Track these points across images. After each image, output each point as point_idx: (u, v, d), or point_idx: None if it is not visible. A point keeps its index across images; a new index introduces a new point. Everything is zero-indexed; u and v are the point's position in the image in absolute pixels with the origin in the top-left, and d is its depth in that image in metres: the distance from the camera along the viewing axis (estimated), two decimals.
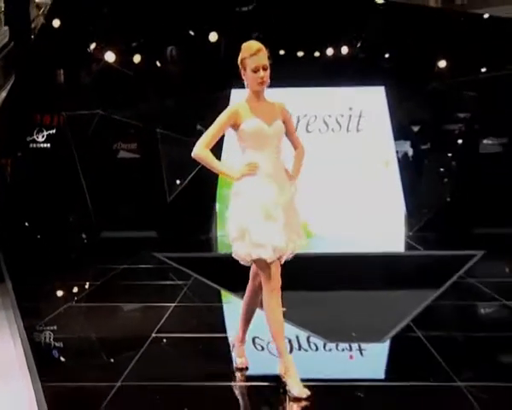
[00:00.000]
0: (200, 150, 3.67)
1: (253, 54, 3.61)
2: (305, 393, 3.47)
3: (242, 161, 3.69)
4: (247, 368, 4.00)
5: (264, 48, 3.66)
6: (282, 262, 3.74)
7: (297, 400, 3.48)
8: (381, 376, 4.24)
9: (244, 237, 3.57)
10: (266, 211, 3.54)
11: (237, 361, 4.07)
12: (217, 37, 9.90)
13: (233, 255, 3.73)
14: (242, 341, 4.12)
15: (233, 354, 4.11)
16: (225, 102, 9.61)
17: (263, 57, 3.63)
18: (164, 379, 3.85)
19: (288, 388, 3.52)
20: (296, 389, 3.48)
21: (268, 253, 3.51)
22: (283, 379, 3.60)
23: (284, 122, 3.79)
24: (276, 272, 3.66)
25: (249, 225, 3.53)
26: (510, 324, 5.27)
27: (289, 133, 3.91)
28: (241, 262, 3.74)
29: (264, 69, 3.62)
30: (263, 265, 3.59)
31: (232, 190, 3.72)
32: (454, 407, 3.39)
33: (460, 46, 9.79)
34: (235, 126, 3.68)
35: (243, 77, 3.71)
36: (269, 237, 3.50)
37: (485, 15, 10.94)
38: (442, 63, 10.18)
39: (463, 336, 5.05)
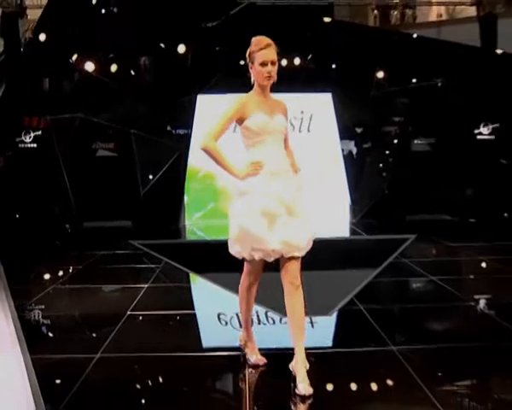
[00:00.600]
0: (209, 142, 3.25)
1: (263, 48, 3.24)
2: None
3: (247, 159, 3.30)
4: (263, 365, 3.53)
5: (273, 43, 3.29)
6: (300, 255, 3.29)
7: (255, 366, 3.50)
8: (330, 344, 4.27)
9: (244, 239, 3.24)
10: (269, 214, 3.18)
11: (251, 359, 3.58)
12: (185, 48, 9.84)
13: (229, 251, 3.42)
14: (249, 337, 3.65)
15: (246, 354, 3.62)
16: (192, 106, 9.62)
17: (272, 52, 3.26)
18: (138, 351, 3.86)
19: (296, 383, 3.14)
20: (302, 385, 3.11)
21: (265, 256, 3.25)
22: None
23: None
24: (258, 268, 3.41)
25: (251, 230, 3.18)
26: (436, 296, 5.37)
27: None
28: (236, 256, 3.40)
29: (273, 64, 3.25)
30: (253, 261, 3.33)
31: (235, 189, 3.35)
32: (389, 367, 3.45)
33: (394, 60, 9.93)
34: (240, 121, 3.29)
35: (250, 70, 3.32)
36: (268, 244, 3.18)
37: (414, 35, 11.13)
38: (380, 74, 10.29)
39: (398, 307, 5.16)
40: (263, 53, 3.23)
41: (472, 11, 15.63)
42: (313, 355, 3.37)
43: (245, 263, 3.43)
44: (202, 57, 9.71)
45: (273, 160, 3.27)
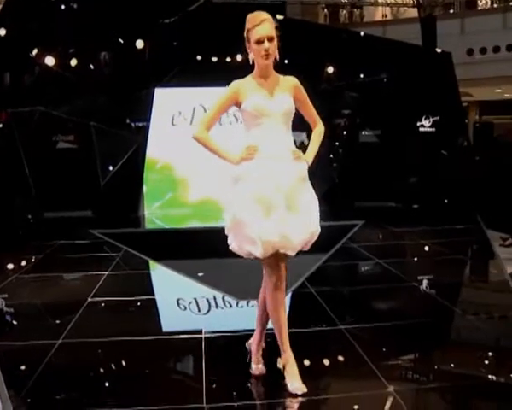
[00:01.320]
0: (201, 132, 3.01)
1: (257, 24, 2.86)
2: (302, 389, 2.90)
3: (244, 142, 2.98)
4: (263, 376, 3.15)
5: (270, 18, 2.90)
6: (292, 254, 2.93)
7: (214, 348, 3.50)
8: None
9: (237, 229, 2.89)
10: (264, 202, 2.81)
11: (253, 367, 3.17)
12: (143, 43, 9.69)
13: (230, 248, 3.02)
14: (259, 344, 3.22)
15: (251, 361, 3.22)
16: (150, 99, 9.50)
17: (268, 27, 2.87)
18: (99, 336, 3.81)
19: (286, 381, 2.96)
20: (295, 384, 2.92)
21: (258, 250, 2.81)
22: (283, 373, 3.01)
23: (296, 98, 3.01)
24: (277, 267, 2.92)
25: (243, 218, 2.83)
26: (382, 277, 5.47)
27: (304, 110, 3.11)
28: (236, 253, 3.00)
29: (270, 40, 2.86)
30: (262, 261, 2.92)
31: (231, 175, 2.99)
32: (338, 345, 3.50)
33: (343, 56, 10.02)
34: (238, 105, 2.98)
35: (248, 51, 2.96)
36: (261, 233, 2.78)
37: (362, 33, 11.25)
38: (330, 69, 10.36)
39: (346, 289, 5.23)
40: (257, 30, 2.87)
41: (414, 12, 15.95)
42: (268, 335, 3.38)
43: (263, 265, 2.98)
44: (160, 52, 9.58)
45: (271, 144, 2.91)
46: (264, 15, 2.91)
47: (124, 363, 3.55)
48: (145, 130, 9.56)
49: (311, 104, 3.15)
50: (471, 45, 15.81)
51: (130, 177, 9.39)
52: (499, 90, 18.28)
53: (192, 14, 9.85)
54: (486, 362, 3.59)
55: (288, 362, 2.98)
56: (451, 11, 17.71)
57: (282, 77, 3.03)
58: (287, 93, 2.97)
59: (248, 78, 3.02)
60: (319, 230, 2.98)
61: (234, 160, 2.96)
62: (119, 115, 9.70)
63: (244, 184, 2.89)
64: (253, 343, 3.23)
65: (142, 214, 9.27)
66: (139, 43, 9.70)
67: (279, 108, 2.92)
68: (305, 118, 3.17)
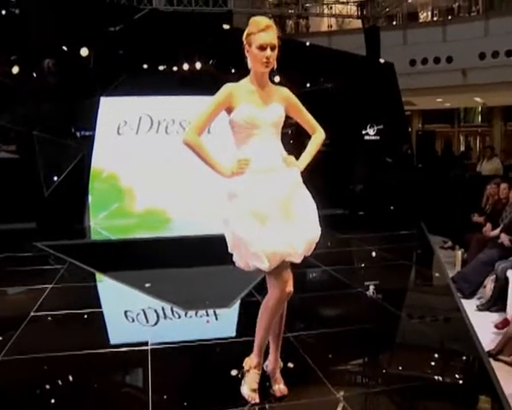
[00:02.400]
0: (192, 137, 2.80)
1: (262, 30, 2.74)
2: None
3: (235, 155, 2.85)
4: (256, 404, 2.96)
5: (274, 25, 2.80)
6: (298, 261, 2.85)
7: (162, 360, 3.46)
8: (232, 334, 4.29)
9: (240, 247, 2.78)
10: (261, 216, 2.73)
11: (245, 392, 2.96)
12: (88, 51, 9.53)
13: (237, 265, 2.91)
14: (257, 366, 3.01)
15: (243, 383, 3.02)
16: (95, 108, 9.34)
17: (273, 35, 2.77)
18: (42, 351, 3.69)
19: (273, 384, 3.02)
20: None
21: (264, 263, 2.71)
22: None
23: (290, 108, 2.95)
24: (283, 279, 2.83)
25: (242, 236, 2.73)
26: (329, 284, 5.55)
27: (300, 119, 3.05)
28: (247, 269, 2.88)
29: (272, 49, 2.77)
30: (267, 273, 2.82)
31: (226, 191, 2.84)
32: (285, 352, 3.49)
33: (289, 66, 10.07)
34: (229, 110, 2.83)
35: (246, 54, 2.84)
36: (264, 246, 2.70)
37: (308, 43, 11.41)
38: (276, 78, 10.42)
39: (294, 297, 5.23)
40: (262, 35, 2.75)
41: (358, 23, 16.28)
42: (218, 345, 3.37)
43: (267, 276, 2.88)
44: (106, 60, 9.45)
45: (264, 156, 2.81)
46: (269, 22, 2.81)
47: (68, 378, 3.46)
48: (90, 139, 9.40)
49: (306, 111, 3.08)
50: (413, 56, 16.23)
51: (75, 187, 9.19)
52: (440, 100, 18.86)
53: (138, 22, 9.78)
54: (432, 364, 3.69)
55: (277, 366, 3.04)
56: (394, 23, 18.17)
57: (274, 87, 2.96)
58: (279, 103, 2.90)
59: (243, 82, 2.91)
60: (319, 233, 2.89)
61: (225, 172, 2.83)
62: (63, 124, 9.49)
63: (239, 201, 2.78)
64: (252, 367, 3.01)
65: (87, 225, 9.08)
66: (84, 51, 9.54)
67: (270, 118, 2.85)
68: (303, 126, 3.11)
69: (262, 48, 2.76)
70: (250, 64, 2.85)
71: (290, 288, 2.88)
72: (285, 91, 2.97)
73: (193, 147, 2.80)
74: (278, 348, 3.08)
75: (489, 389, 3.22)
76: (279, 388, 3.01)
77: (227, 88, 2.85)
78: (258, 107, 2.83)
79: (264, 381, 3.05)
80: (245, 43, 2.83)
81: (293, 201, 2.84)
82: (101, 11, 9.85)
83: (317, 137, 3.10)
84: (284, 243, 2.75)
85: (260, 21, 2.80)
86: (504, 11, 15.72)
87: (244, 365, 3.04)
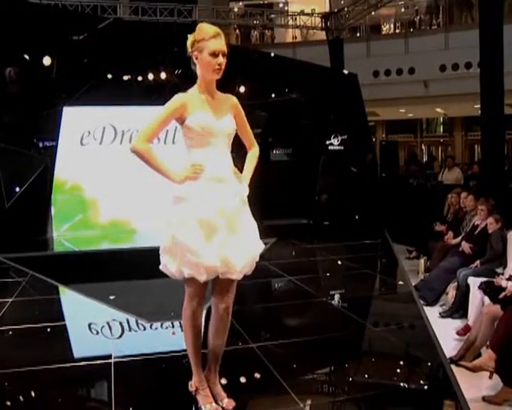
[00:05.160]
0: (141, 144, 2.72)
1: (213, 36, 2.73)
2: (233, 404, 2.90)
3: (187, 162, 2.79)
4: None
5: (222, 33, 2.80)
6: (238, 278, 2.85)
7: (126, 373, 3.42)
8: None
9: (177, 252, 2.72)
10: (207, 226, 2.69)
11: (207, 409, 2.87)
12: (50, 61, 9.41)
13: (160, 268, 2.86)
14: (201, 382, 2.95)
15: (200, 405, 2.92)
16: (58, 118, 9.21)
17: (223, 42, 2.77)
18: (1, 368, 3.58)
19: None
20: (227, 400, 2.91)
21: (202, 275, 2.69)
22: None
23: (235, 118, 2.90)
24: (203, 290, 2.82)
25: (185, 241, 2.68)
26: (293, 294, 5.57)
27: (241, 131, 2.97)
28: (170, 276, 2.84)
29: (224, 56, 2.76)
30: (191, 283, 2.77)
31: (172, 193, 2.79)
32: (249, 363, 3.50)
33: (254, 76, 10.17)
34: (181, 120, 2.77)
35: (195, 62, 2.80)
36: (206, 258, 2.67)
37: (272, 54, 11.50)
38: (241, 88, 10.49)
39: (258, 307, 5.26)
40: (214, 42, 2.74)
41: (322, 35, 16.50)
42: (181, 358, 3.35)
43: (185, 286, 2.85)
44: (69, 70, 9.34)
45: (216, 165, 2.78)
46: (218, 29, 2.80)
47: (30, 394, 3.38)
48: (53, 149, 9.26)
49: (248, 125, 3.03)
50: (376, 67, 16.52)
51: (38, 198, 9.02)
52: (403, 110, 19.22)
53: (102, 31, 9.70)
54: (396, 371, 3.74)
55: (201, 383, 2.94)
56: (358, 35, 18.47)
57: (223, 95, 2.93)
58: (229, 113, 2.87)
59: (192, 91, 2.86)
60: (260, 251, 2.90)
61: (177, 178, 2.76)
62: (25, 134, 9.33)
63: (187, 205, 2.73)
64: (196, 385, 2.96)
65: (50, 237, 8.93)
66: (47, 60, 9.41)
67: (224, 129, 2.82)
68: (242, 138, 3.04)
69: (214, 54, 2.75)
70: (199, 71, 2.83)
71: (227, 302, 2.88)
72: (233, 100, 2.95)
73: (142, 154, 2.74)
74: (214, 365, 2.98)
75: (451, 395, 3.27)
76: (225, 403, 2.92)
77: (180, 97, 2.81)
78: (214, 116, 2.80)
79: (227, 396, 3.04)
80: (193, 49, 2.79)
81: (239, 217, 2.81)
82: (64, 20, 9.74)
83: (255, 152, 3.07)
84: (222, 258, 2.72)
85: (210, 28, 2.79)
86: (464, 25, 16.15)
87: (190, 388, 2.98)
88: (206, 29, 2.78)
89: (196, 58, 2.80)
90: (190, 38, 2.80)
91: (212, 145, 2.80)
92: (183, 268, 2.72)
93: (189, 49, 2.81)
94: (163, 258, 2.82)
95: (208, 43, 2.74)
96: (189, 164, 2.78)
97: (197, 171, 2.75)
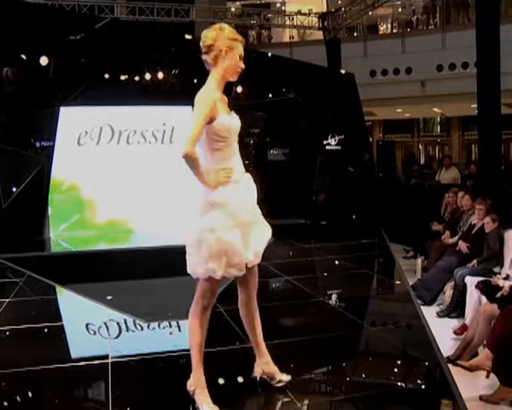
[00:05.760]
0: (192, 149, 2.65)
1: (241, 41, 2.83)
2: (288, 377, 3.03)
3: (212, 164, 2.79)
4: None
5: None
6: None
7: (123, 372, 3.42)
8: None
9: (222, 256, 2.77)
10: (245, 226, 2.82)
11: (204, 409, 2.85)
12: (47, 60, 9.39)
13: (195, 271, 2.87)
14: (201, 380, 2.94)
15: (197, 402, 2.91)
16: (55, 118, 9.19)
17: None
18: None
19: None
20: (284, 375, 3.07)
21: (242, 271, 2.86)
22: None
23: None
24: (218, 286, 2.94)
25: (232, 245, 2.77)
26: (291, 294, 5.57)
27: None
28: (194, 277, 2.88)
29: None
30: (210, 280, 2.85)
31: (207, 199, 2.79)
32: (248, 362, 3.48)
33: (251, 76, 10.12)
34: (210, 120, 2.72)
35: (220, 59, 2.80)
36: (245, 257, 2.83)
37: (269, 54, 11.50)
38: (239, 88, 10.48)
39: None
40: (241, 47, 2.83)
41: (319, 35, 16.50)
42: (181, 357, 3.35)
43: (201, 283, 2.90)
44: (66, 70, 9.33)
45: (236, 164, 2.87)
46: None
47: (28, 394, 3.38)
48: (50, 149, 9.25)
49: None
50: (373, 67, 16.53)
51: (35, 198, 9.02)
52: (400, 110, 19.23)
53: (99, 31, 9.69)
54: (393, 371, 3.74)
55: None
56: (355, 34, 18.48)
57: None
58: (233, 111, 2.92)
59: (213, 89, 2.82)
60: (270, 230, 3.06)
61: (212, 184, 2.77)
62: (22, 134, 9.32)
63: (225, 210, 2.78)
64: (193, 386, 2.96)
65: (47, 237, 8.91)
66: (44, 60, 9.40)
67: (237, 127, 2.87)
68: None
69: (240, 57, 2.82)
70: (219, 69, 2.82)
71: (256, 285, 3.12)
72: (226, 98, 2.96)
73: (194, 159, 2.69)
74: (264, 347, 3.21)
75: (448, 394, 3.28)
76: (283, 378, 3.16)
77: (212, 95, 2.76)
78: (228, 115, 2.83)
79: (226, 395, 3.05)
80: (226, 46, 2.79)
81: (256, 208, 2.95)
82: (61, 20, 9.73)
83: None
84: (256, 250, 2.91)
85: (237, 33, 2.85)
86: (460, 25, 16.17)
87: (188, 388, 2.96)
88: (234, 32, 2.83)
89: (226, 53, 2.79)
90: (218, 33, 2.79)
91: (232, 145, 2.86)
92: (230, 270, 2.82)
93: (224, 44, 2.78)
94: (209, 265, 2.80)
95: (239, 45, 2.82)
96: (218, 168, 2.78)
97: (229, 175, 2.79)
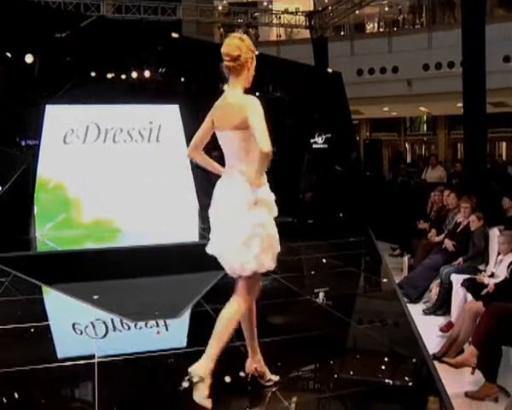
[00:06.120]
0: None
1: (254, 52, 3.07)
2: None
3: (249, 166, 2.91)
4: None
5: None
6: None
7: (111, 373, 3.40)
8: (183, 344, 4.28)
9: (271, 249, 3.01)
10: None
11: (203, 402, 2.86)
12: (33, 58, 9.33)
13: (258, 269, 2.99)
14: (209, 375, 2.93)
15: (195, 395, 2.88)
16: (41, 117, 9.13)
17: None
18: None
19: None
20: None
21: (275, 262, 3.07)
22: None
23: None
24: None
25: (276, 237, 3.04)
26: (279, 292, 5.55)
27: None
28: (232, 274, 3.04)
29: None
30: (257, 276, 3.05)
31: (255, 197, 2.92)
32: (236, 361, 3.47)
33: None
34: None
35: (245, 69, 3.03)
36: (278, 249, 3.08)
37: (256, 52, 11.45)
38: (225, 87, 10.44)
39: None
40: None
41: (306, 34, 16.53)
42: (168, 357, 3.34)
43: (247, 280, 3.03)
44: (52, 67, 9.27)
45: None
46: None
47: (13, 395, 3.35)
48: (36, 148, 9.18)
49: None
50: (360, 66, 16.61)
51: (20, 197, 8.96)
52: (386, 109, 19.33)
53: (85, 29, 9.64)
54: (380, 368, 3.77)
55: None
56: (342, 33, 18.55)
57: None
58: None
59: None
60: None
61: (259, 183, 2.92)
62: (7, 133, 9.25)
63: (266, 207, 3.00)
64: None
65: (33, 236, 8.85)
66: (29, 58, 9.34)
67: None
68: (207, 138, 3.18)
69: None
70: (245, 78, 3.05)
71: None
72: None
73: (268, 159, 2.83)
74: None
75: (434, 391, 3.30)
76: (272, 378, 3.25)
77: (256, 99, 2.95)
78: None
79: (215, 394, 3.04)
80: (249, 57, 3.03)
81: None
82: (47, 17, 9.67)
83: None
84: None
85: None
86: (446, 25, 16.29)
87: (195, 379, 2.91)
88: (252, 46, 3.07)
89: (250, 64, 3.04)
90: (241, 44, 3.00)
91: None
92: (272, 262, 3.03)
93: (248, 55, 3.02)
94: (262, 258, 2.97)
95: (254, 56, 3.07)
96: (255, 168, 2.86)
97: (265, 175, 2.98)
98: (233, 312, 3.02)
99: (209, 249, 3.12)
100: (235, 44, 2.98)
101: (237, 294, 3.05)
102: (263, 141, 2.76)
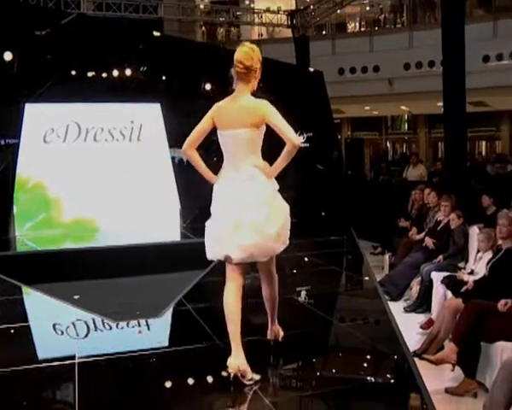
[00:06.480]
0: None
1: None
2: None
3: (261, 160, 3.37)
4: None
5: None
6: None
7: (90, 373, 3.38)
8: (162, 344, 4.24)
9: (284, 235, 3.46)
10: None
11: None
12: (11, 56, 9.21)
13: (282, 248, 3.52)
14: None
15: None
16: (20, 115, 9.03)
17: None
18: None
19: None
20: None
21: None
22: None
23: None
24: None
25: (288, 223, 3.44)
26: (259, 291, 5.52)
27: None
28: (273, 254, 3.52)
29: None
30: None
31: (274, 187, 3.45)
32: (216, 361, 3.47)
33: (220, 73, 10.11)
34: (261, 123, 3.29)
35: (254, 77, 3.38)
36: None
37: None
38: (207, 85, 10.46)
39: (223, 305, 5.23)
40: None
41: (288, 33, 16.57)
42: (150, 356, 3.32)
43: (274, 259, 3.64)
44: (31, 65, 9.17)
45: None
46: None
47: None
48: (15, 147, 9.08)
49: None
50: (342, 65, 16.69)
51: None
52: (368, 108, 19.45)
53: (65, 27, 9.56)
54: (361, 365, 3.79)
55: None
56: (324, 32, 18.62)
57: None
58: None
59: None
60: None
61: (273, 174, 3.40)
62: None
63: (280, 196, 3.49)
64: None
65: (12, 236, 8.75)
66: (8, 56, 9.23)
67: None
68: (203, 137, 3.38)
69: None
70: (253, 85, 3.36)
71: None
72: None
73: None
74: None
75: (414, 387, 3.34)
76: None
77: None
78: None
79: (193, 394, 3.05)
80: (258, 67, 3.32)
81: None
82: (26, 14, 9.55)
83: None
84: None
85: None
86: (427, 24, 16.43)
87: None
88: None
89: (255, 75, 3.33)
90: (253, 54, 3.27)
91: None
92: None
93: (257, 65, 3.31)
94: (284, 236, 3.50)
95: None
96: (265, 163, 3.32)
97: None
98: (276, 281, 3.71)
99: (238, 254, 3.34)
100: (249, 54, 3.25)
101: (271, 272, 3.71)
102: (293, 135, 3.18)
